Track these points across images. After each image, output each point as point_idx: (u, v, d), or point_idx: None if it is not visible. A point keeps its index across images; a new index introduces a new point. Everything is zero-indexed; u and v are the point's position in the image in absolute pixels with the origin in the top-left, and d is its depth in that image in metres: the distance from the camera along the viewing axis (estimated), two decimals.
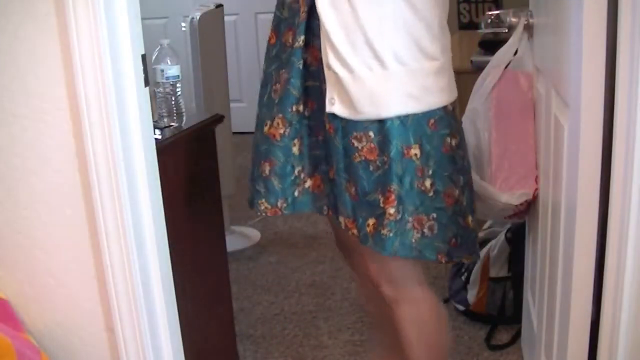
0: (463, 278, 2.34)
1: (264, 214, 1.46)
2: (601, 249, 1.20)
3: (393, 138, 1.34)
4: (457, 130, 1.42)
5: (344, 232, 1.47)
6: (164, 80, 1.79)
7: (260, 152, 1.46)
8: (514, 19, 1.78)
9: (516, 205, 1.73)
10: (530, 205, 1.76)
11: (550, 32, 1.53)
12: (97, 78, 1.19)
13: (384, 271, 1.50)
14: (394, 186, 1.35)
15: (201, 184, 1.89)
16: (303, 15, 1.36)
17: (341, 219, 1.42)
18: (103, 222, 1.26)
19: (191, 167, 1.83)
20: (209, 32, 2.80)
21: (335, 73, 1.34)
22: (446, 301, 2.43)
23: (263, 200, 1.45)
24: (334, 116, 1.36)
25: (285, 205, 1.45)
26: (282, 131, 1.41)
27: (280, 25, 1.44)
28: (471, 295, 2.30)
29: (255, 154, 1.49)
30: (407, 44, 1.32)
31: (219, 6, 2.87)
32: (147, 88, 1.29)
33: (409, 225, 1.39)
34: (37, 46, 1.22)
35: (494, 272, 2.26)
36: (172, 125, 1.80)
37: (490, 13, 1.85)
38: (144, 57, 1.27)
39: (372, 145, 1.35)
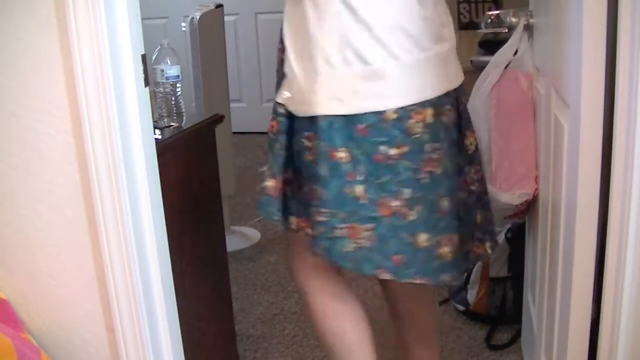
0: (463, 278, 2.34)
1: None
2: (601, 249, 1.20)
3: (320, 139, 1.33)
4: (405, 142, 1.33)
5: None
6: (164, 80, 1.79)
7: None
8: (514, 19, 1.78)
9: (516, 205, 1.73)
10: (530, 205, 1.76)
11: (550, 32, 1.53)
12: (97, 78, 1.19)
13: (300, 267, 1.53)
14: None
15: (201, 184, 1.89)
16: None
17: (292, 219, 1.45)
18: (103, 222, 1.26)
19: (191, 167, 1.83)
20: (209, 32, 2.80)
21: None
22: (446, 301, 2.43)
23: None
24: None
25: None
26: None
27: None
28: (471, 295, 2.30)
29: None
30: (339, 48, 1.30)
31: (219, 6, 2.87)
32: (147, 88, 1.29)
33: (340, 233, 1.34)
34: (37, 46, 1.22)
35: (494, 272, 2.26)
36: (172, 125, 1.80)
37: (490, 13, 1.85)
38: (144, 57, 1.27)
39: (310, 144, 1.37)
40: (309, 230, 1.40)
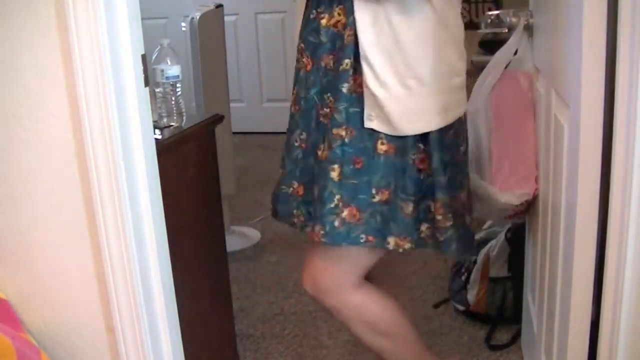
0: (463, 278, 2.34)
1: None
2: (601, 249, 1.20)
3: (434, 150, 1.41)
4: (464, 139, 1.53)
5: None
6: (164, 80, 1.79)
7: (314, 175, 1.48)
8: (514, 19, 1.78)
9: (516, 205, 1.73)
10: (530, 205, 1.76)
11: (550, 32, 1.53)
12: (97, 78, 1.19)
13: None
14: (440, 195, 1.43)
15: (201, 184, 1.89)
16: (349, 39, 1.38)
17: (391, 239, 1.44)
18: (103, 222, 1.26)
19: (191, 167, 1.83)
20: (209, 32, 2.81)
21: (372, 93, 1.36)
22: (446, 301, 2.43)
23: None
24: (396, 137, 1.40)
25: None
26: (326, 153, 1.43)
27: (316, 51, 1.43)
28: (471, 295, 2.30)
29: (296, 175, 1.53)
30: (440, 63, 1.39)
31: (219, 6, 2.87)
32: (147, 88, 1.29)
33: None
34: (37, 46, 1.22)
35: (494, 272, 2.26)
36: (172, 125, 1.80)
37: (490, 13, 1.86)
38: (144, 57, 1.27)
39: (422, 155, 1.42)
40: (408, 245, 1.46)
